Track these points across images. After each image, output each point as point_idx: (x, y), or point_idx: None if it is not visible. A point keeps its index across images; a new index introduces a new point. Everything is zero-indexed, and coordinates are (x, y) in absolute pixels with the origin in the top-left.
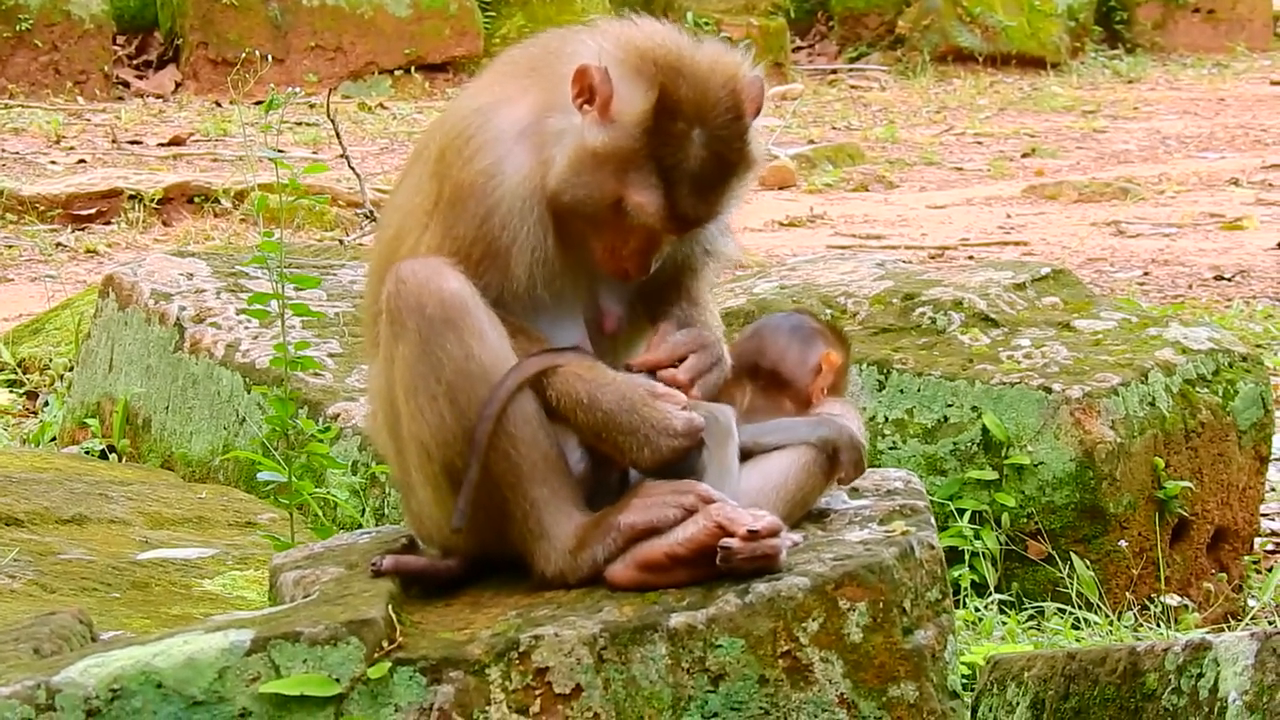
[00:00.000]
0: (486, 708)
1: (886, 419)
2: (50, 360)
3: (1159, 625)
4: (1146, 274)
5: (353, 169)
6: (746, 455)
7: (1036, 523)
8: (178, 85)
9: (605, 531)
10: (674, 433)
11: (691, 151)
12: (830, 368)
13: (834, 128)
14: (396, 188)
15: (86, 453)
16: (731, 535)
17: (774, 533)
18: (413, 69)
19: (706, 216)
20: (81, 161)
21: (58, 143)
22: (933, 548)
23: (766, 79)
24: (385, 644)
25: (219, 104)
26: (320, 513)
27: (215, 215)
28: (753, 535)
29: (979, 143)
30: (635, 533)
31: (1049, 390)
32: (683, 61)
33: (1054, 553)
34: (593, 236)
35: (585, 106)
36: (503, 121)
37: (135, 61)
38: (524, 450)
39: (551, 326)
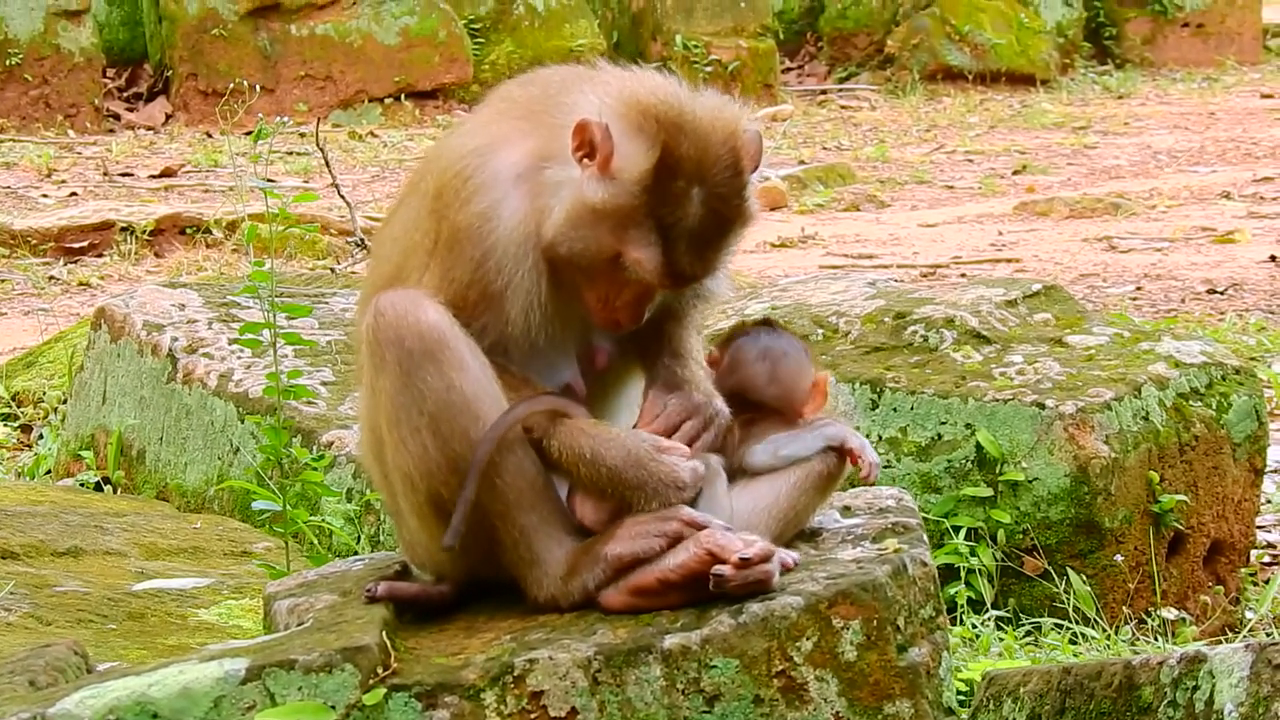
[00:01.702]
0: None
1: (880, 438)
2: (44, 393)
3: (1156, 639)
4: (1139, 289)
5: (343, 197)
6: (762, 473)
7: (1032, 539)
8: (168, 117)
9: (594, 561)
10: (681, 485)
11: (690, 210)
12: (822, 389)
13: (824, 148)
14: (390, 217)
15: (81, 485)
16: (723, 562)
17: (766, 558)
18: (402, 96)
19: (703, 273)
20: (73, 194)
21: (49, 176)
22: (925, 565)
23: (757, 103)
24: (380, 670)
25: (209, 135)
26: (315, 541)
27: (207, 246)
28: (744, 563)
29: (970, 161)
30: (622, 563)
31: (1042, 406)
32: (684, 118)
33: (1050, 568)
34: (586, 287)
35: (585, 160)
36: (500, 164)
37: (125, 94)
38: (510, 479)
39: (545, 365)
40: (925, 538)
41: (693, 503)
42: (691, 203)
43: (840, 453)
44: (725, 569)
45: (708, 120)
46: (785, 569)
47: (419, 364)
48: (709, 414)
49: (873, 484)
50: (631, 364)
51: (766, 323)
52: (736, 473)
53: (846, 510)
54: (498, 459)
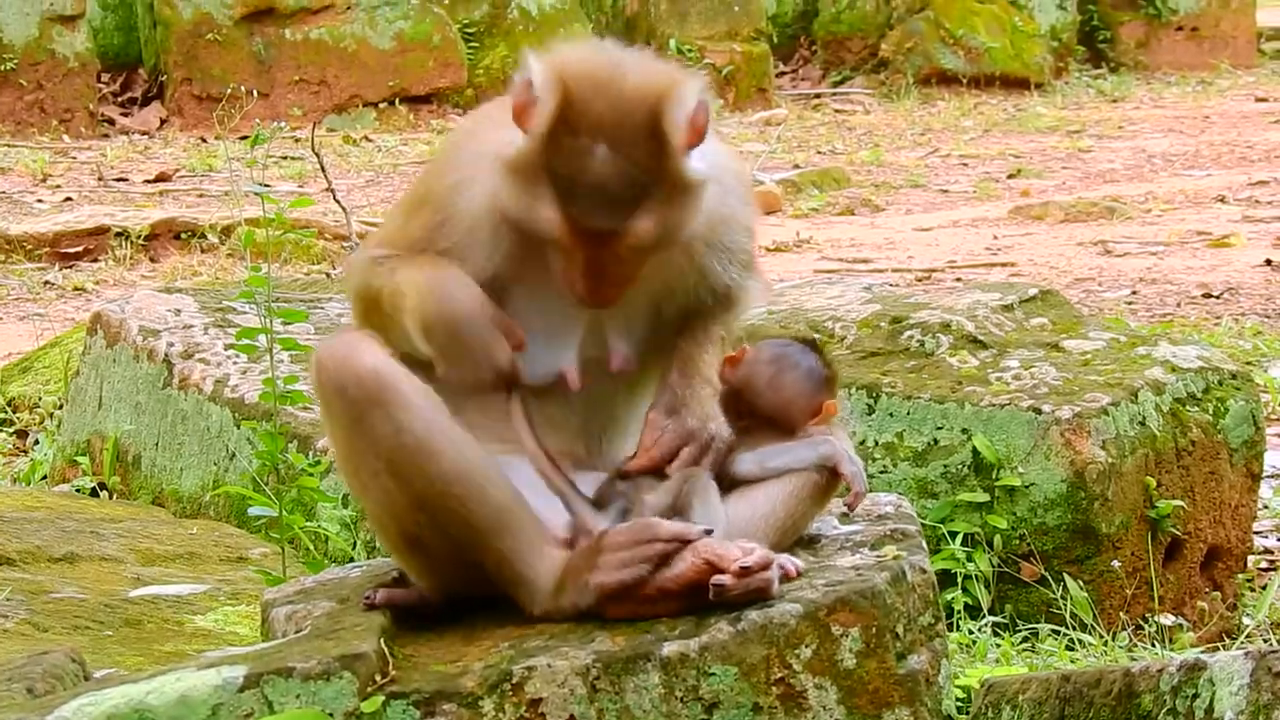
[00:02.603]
0: None
1: (876, 443)
2: (40, 399)
3: (1154, 645)
4: (1134, 293)
5: (338, 202)
6: (753, 483)
7: (1029, 544)
8: (163, 122)
9: (579, 587)
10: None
11: (592, 166)
12: (828, 415)
13: (819, 152)
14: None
15: (77, 490)
16: (722, 571)
17: (765, 566)
18: (397, 101)
19: (612, 231)
20: (68, 199)
21: (44, 181)
22: (924, 572)
23: (751, 108)
24: (378, 678)
25: (204, 139)
26: (312, 547)
27: (202, 251)
28: (744, 571)
29: (964, 164)
30: (607, 592)
31: (1039, 411)
32: (600, 75)
33: (1047, 574)
34: (551, 256)
35: (519, 123)
36: (481, 144)
37: (120, 99)
38: (474, 508)
39: (534, 349)
40: (924, 544)
41: (674, 514)
42: (594, 159)
43: (832, 472)
44: (725, 578)
45: (632, 81)
46: (789, 577)
47: (365, 411)
48: (705, 438)
49: (851, 513)
50: (649, 376)
51: (807, 341)
52: (726, 478)
53: (845, 517)
54: (460, 491)
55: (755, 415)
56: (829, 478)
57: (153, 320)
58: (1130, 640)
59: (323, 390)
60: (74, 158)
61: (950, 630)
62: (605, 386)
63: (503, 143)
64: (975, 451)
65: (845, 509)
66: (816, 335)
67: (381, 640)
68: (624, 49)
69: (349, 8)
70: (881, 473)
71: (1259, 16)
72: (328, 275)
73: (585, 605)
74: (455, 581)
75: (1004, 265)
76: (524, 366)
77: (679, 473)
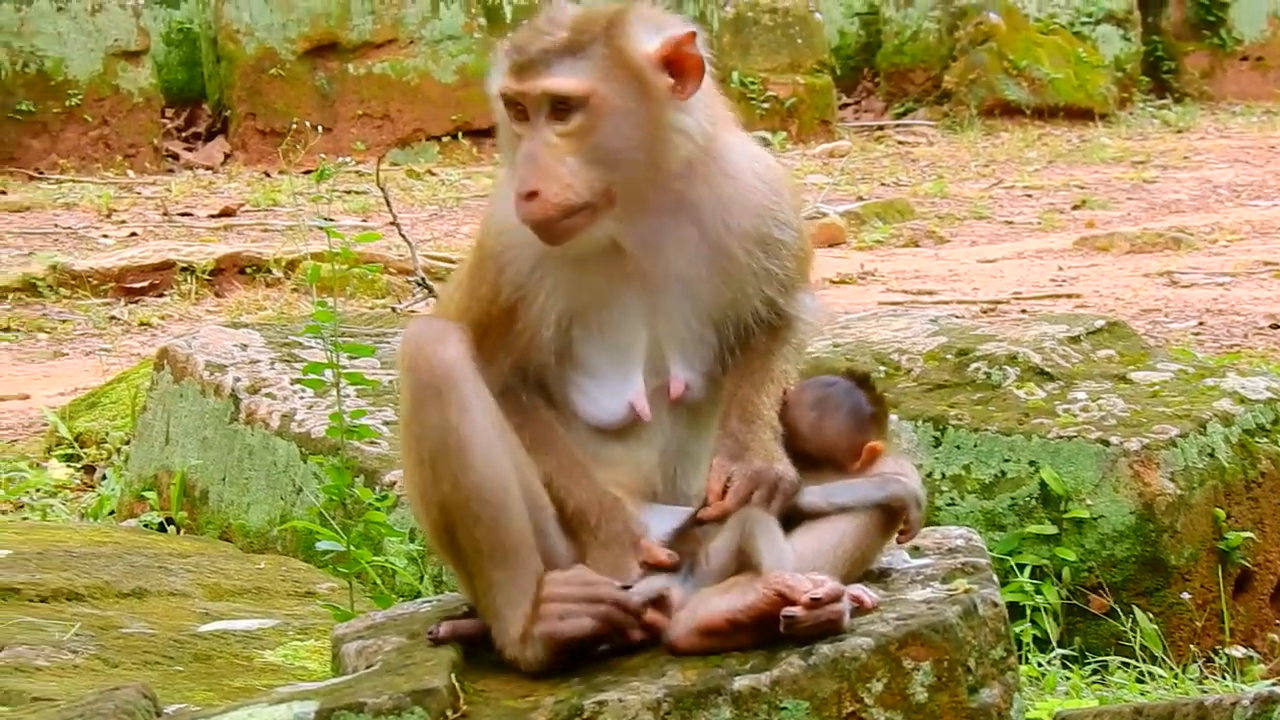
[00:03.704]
0: None
1: (943, 475)
2: (107, 434)
3: (1224, 677)
4: (1201, 324)
5: (403, 236)
6: (817, 516)
7: (1097, 576)
8: (227, 156)
9: (533, 640)
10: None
11: (532, 25)
12: (870, 458)
13: (883, 184)
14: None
15: (145, 526)
16: (793, 603)
17: (836, 598)
18: (460, 134)
19: (536, 65)
20: (133, 234)
21: (109, 216)
22: (996, 605)
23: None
24: (449, 713)
25: (268, 174)
26: (379, 581)
27: (267, 285)
28: (815, 603)
29: (1029, 196)
30: (553, 641)
31: (1107, 443)
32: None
33: (1116, 606)
34: (507, 164)
35: None
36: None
37: (184, 134)
38: (484, 532)
39: (601, 387)
40: (995, 578)
41: (739, 555)
42: (534, 36)
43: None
44: (796, 610)
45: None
46: (865, 607)
47: (426, 399)
48: (772, 479)
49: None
50: (712, 404)
51: (856, 376)
52: (790, 511)
53: (915, 550)
54: (477, 510)
55: (807, 456)
56: (896, 512)
57: (219, 355)
58: (1201, 673)
59: (400, 364)
60: (139, 193)
61: (1020, 663)
62: (674, 420)
63: None
64: (1043, 484)
65: (897, 540)
66: (873, 368)
67: (452, 675)
68: None
69: (412, 42)
70: (949, 505)
71: None
72: (393, 310)
73: (540, 659)
74: (466, 589)
75: (1069, 297)
76: (594, 410)
77: (738, 513)
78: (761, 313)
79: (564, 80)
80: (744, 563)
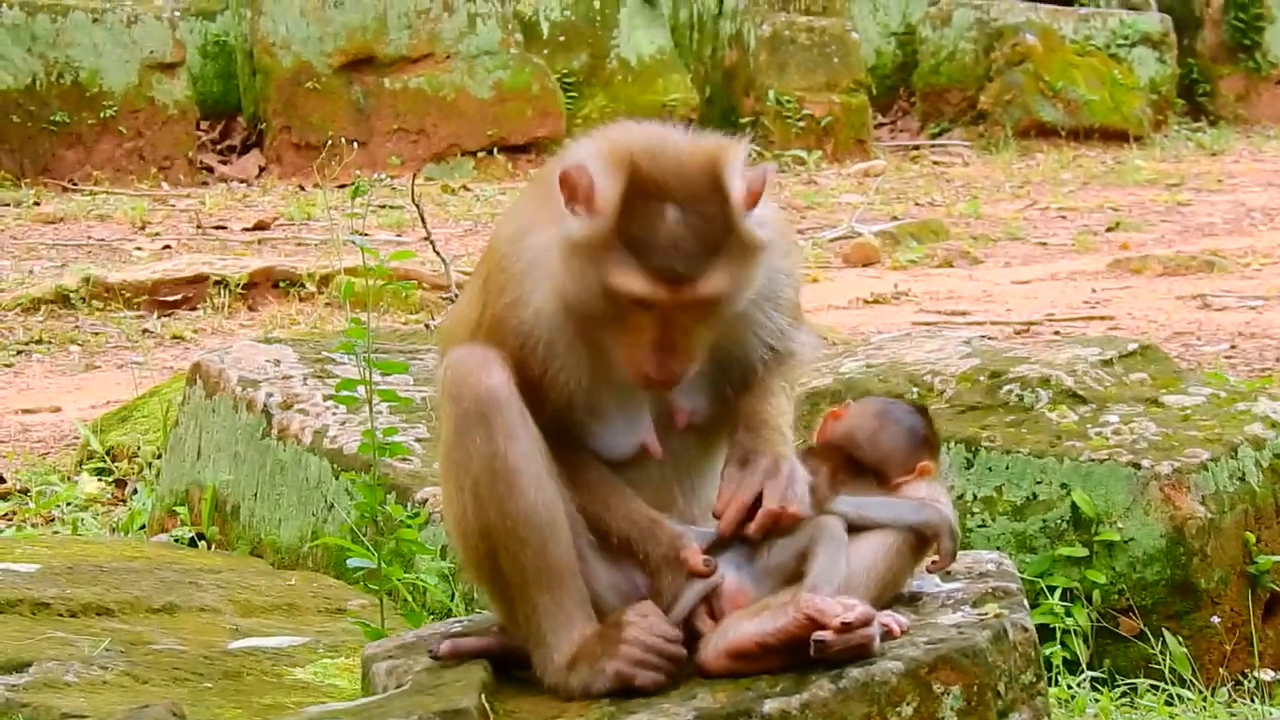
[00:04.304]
0: None
1: (975, 497)
2: (138, 448)
3: (1253, 701)
4: (1234, 347)
5: (437, 252)
6: (849, 528)
7: (1128, 599)
8: (261, 170)
9: (597, 670)
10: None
11: (665, 225)
12: (924, 477)
13: (917, 204)
14: (464, 291)
15: (175, 541)
16: (823, 627)
17: (866, 622)
18: (495, 150)
19: (689, 277)
20: (166, 247)
21: (143, 229)
22: (1026, 630)
23: (850, 159)
24: None
25: (302, 188)
26: (410, 598)
27: (300, 300)
28: (845, 627)
29: (1063, 217)
30: (622, 681)
31: (1138, 466)
32: (658, 146)
33: (1146, 629)
34: (614, 346)
35: (576, 209)
36: (529, 250)
37: (219, 146)
38: (530, 556)
39: (614, 430)
40: (1025, 602)
41: (799, 559)
42: (665, 219)
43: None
44: (827, 634)
45: (687, 148)
46: (893, 635)
47: (471, 425)
48: (784, 471)
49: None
50: (718, 425)
51: (915, 404)
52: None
53: (947, 575)
54: (523, 534)
55: (853, 466)
56: (928, 538)
57: (252, 371)
58: (1229, 696)
59: (444, 393)
60: (173, 205)
61: (1049, 685)
62: (683, 443)
63: (548, 243)
64: (1074, 506)
65: (928, 568)
66: (906, 389)
67: (482, 696)
68: (655, 125)
69: (448, 57)
70: (980, 527)
71: None
72: (426, 326)
73: (596, 690)
74: (506, 615)
75: (1102, 318)
76: (605, 450)
77: (810, 521)
78: (762, 352)
79: (718, 284)
80: (801, 567)
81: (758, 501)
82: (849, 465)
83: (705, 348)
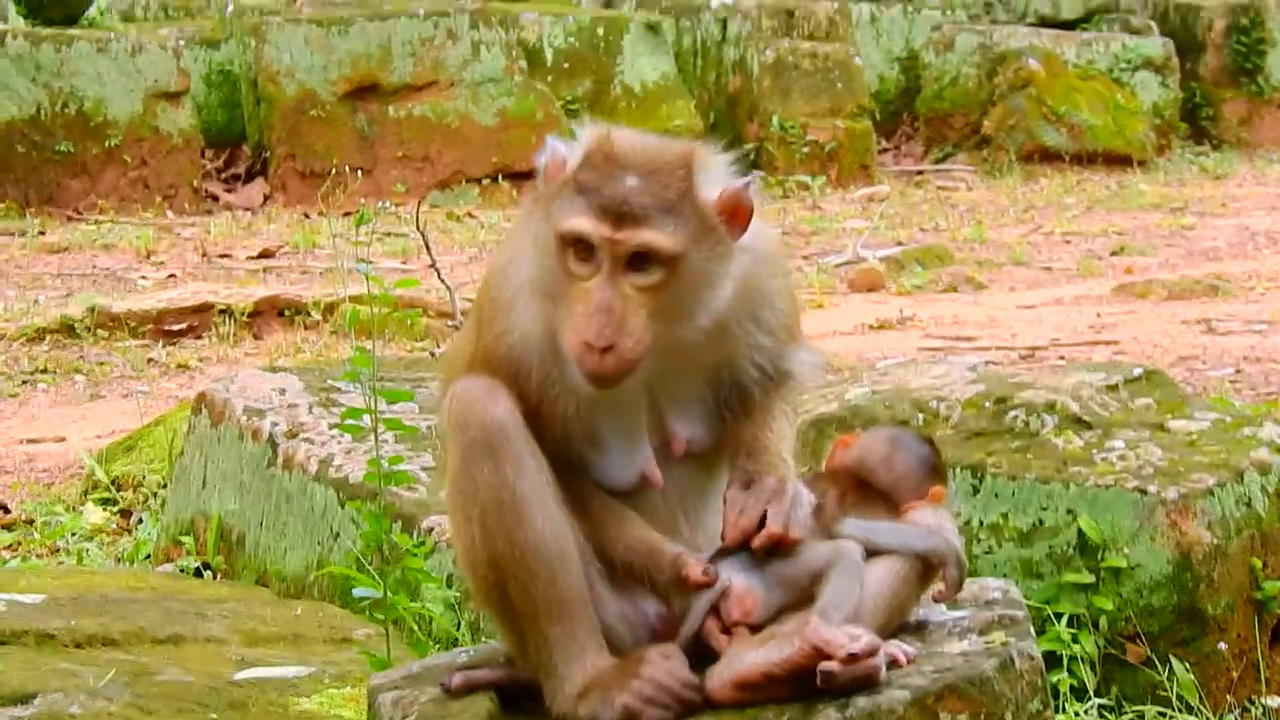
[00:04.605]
0: None
1: (981, 523)
2: (144, 477)
3: None
4: (1238, 372)
5: (442, 280)
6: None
7: (1134, 625)
8: (266, 198)
9: (607, 701)
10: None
11: (620, 181)
12: (934, 502)
13: (922, 229)
14: (465, 320)
15: (181, 570)
16: (829, 658)
17: (872, 652)
18: (500, 177)
19: (634, 220)
20: (171, 276)
21: (148, 258)
22: (1033, 658)
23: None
24: None
25: (307, 216)
26: (416, 627)
27: (305, 328)
28: (851, 658)
29: (1067, 242)
30: (628, 715)
31: (1144, 492)
32: (637, 136)
33: (1153, 655)
34: (563, 324)
35: (548, 182)
36: (516, 279)
37: (224, 175)
38: (540, 588)
39: (613, 461)
40: (1032, 631)
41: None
42: (623, 180)
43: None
44: (833, 665)
45: (664, 142)
46: (899, 664)
47: (478, 455)
48: (787, 491)
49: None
50: (718, 453)
51: (923, 436)
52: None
53: (954, 603)
54: (533, 565)
55: (861, 490)
56: (934, 566)
57: (257, 400)
58: None
59: (449, 424)
60: (178, 234)
61: (1056, 712)
62: (682, 471)
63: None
64: (1080, 532)
65: (934, 597)
66: (912, 415)
67: None
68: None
69: (452, 84)
70: (986, 553)
71: None
72: (431, 354)
73: (593, 718)
74: (516, 645)
75: (1107, 343)
76: (605, 481)
77: (829, 544)
78: (754, 374)
79: (662, 237)
80: (813, 587)
81: (761, 523)
82: (858, 489)
83: (651, 334)
